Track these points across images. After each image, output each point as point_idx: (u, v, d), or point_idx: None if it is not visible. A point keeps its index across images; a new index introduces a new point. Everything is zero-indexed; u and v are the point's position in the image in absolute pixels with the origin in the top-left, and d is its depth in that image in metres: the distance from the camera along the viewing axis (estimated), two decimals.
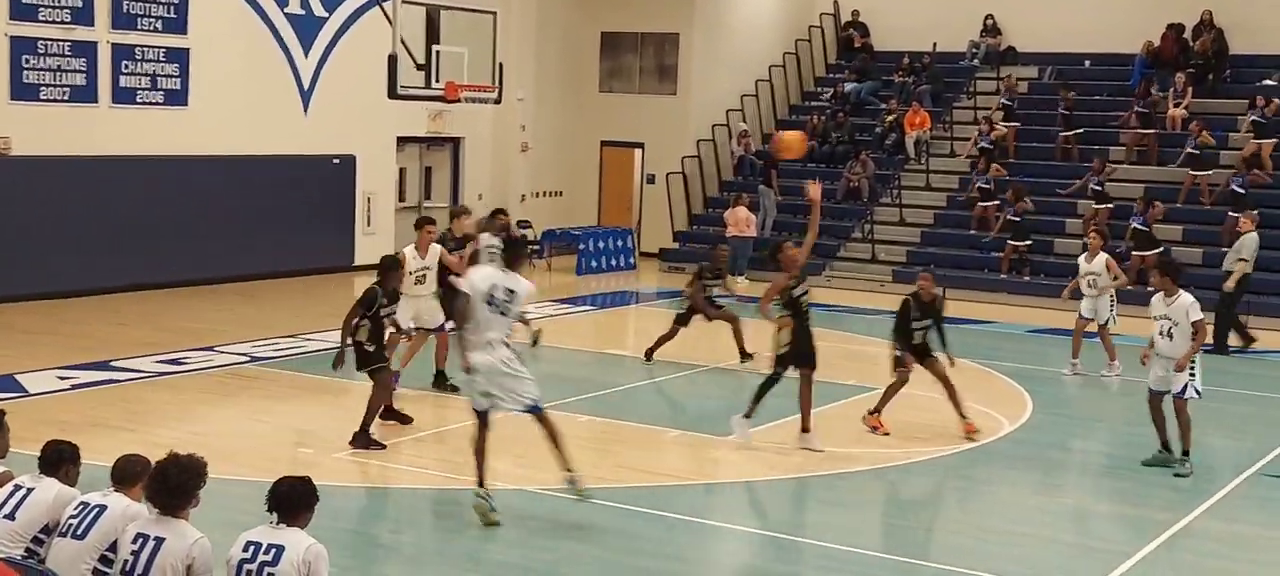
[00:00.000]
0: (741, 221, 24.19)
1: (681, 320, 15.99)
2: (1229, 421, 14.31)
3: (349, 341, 11.48)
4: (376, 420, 11.81)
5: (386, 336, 11.92)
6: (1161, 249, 21.23)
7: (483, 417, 9.63)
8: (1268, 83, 24.66)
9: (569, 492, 9.77)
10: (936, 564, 9.54)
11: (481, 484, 9.59)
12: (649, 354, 16.00)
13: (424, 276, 13.35)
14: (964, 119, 26.78)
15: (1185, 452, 11.70)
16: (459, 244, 14.01)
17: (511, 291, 9.52)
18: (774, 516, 10.65)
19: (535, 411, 9.63)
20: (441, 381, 13.82)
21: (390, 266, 11.86)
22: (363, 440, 11.56)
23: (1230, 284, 18.24)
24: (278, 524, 5.92)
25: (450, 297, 12.82)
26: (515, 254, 9.82)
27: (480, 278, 9.62)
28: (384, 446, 11.66)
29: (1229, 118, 24.65)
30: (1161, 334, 11.52)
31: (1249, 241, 18.31)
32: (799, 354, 11.91)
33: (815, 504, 11.07)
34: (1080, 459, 12.60)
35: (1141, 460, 11.93)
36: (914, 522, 10.68)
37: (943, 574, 9.30)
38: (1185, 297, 11.43)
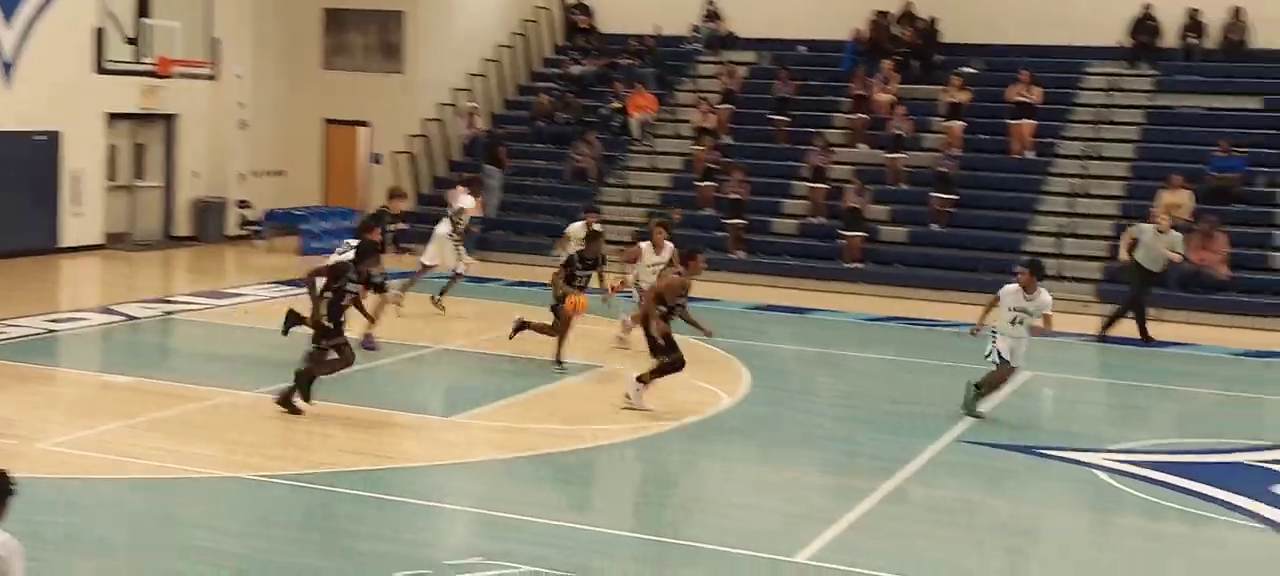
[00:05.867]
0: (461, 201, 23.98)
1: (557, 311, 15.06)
2: (928, 392, 15.13)
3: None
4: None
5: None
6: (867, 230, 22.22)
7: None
8: (965, 70, 26.09)
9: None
10: (652, 536, 9.82)
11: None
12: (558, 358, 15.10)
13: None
14: (687, 101, 27.40)
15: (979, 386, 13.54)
16: (395, 219, 15.83)
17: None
18: (493, 494, 10.72)
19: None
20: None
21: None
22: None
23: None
24: None
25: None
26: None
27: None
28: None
29: (933, 103, 25.99)
30: (1015, 322, 13.22)
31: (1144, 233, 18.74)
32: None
33: (534, 481, 11.20)
34: (794, 431, 13.14)
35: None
36: (633, 496, 10.95)
37: (657, 545, 9.58)
38: (1045, 296, 13.16)
